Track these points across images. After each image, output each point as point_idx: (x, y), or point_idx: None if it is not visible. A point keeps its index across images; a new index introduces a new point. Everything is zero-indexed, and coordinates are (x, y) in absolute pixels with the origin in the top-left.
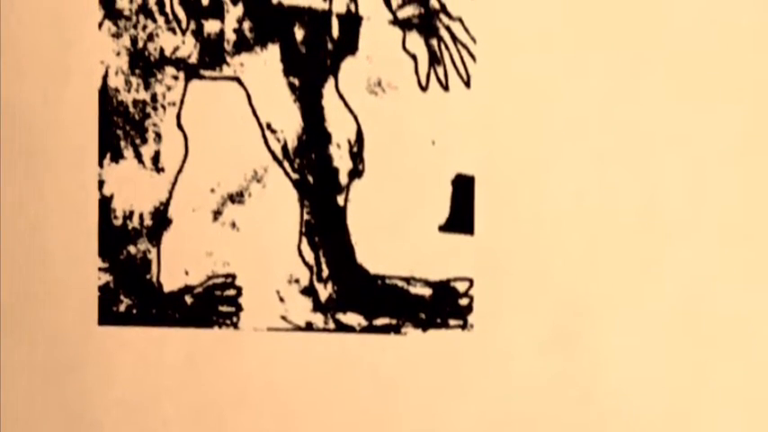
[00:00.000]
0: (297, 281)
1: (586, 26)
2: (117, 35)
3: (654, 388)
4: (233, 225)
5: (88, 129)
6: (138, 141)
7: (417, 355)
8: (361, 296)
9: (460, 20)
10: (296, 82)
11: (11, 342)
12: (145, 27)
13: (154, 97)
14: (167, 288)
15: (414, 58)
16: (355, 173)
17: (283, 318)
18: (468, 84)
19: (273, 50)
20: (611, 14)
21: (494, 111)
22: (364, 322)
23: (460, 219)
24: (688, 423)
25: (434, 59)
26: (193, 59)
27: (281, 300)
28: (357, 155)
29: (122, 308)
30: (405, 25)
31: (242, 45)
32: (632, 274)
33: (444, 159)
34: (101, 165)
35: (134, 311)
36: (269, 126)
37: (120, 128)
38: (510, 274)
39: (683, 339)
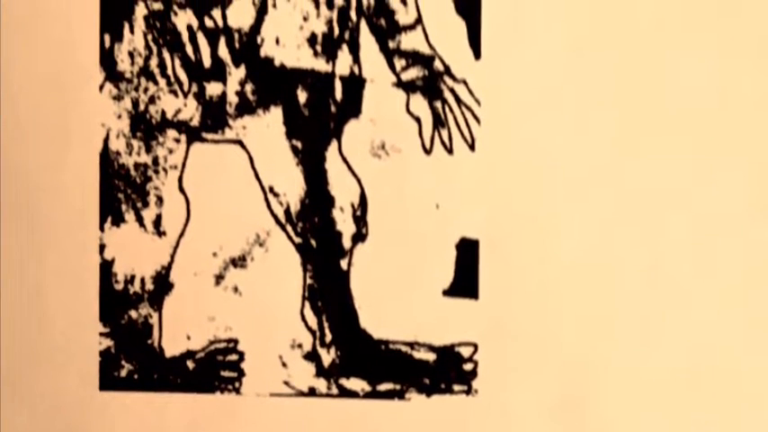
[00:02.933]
0: (300, 346)
1: (591, 89)
2: (118, 98)
3: None
4: (235, 289)
5: (89, 192)
6: (139, 205)
7: (421, 420)
8: (364, 361)
9: (465, 82)
10: (299, 145)
11: (11, 408)
12: (146, 89)
13: (155, 160)
14: (169, 353)
15: (418, 120)
16: (359, 237)
17: (286, 383)
18: (472, 147)
19: (276, 113)
20: (615, 77)
21: (498, 174)
22: (368, 387)
23: (465, 283)
24: None
25: (438, 122)
26: (195, 122)
27: (284, 365)
28: (360, 218)
29: (124, 373)
30: (408, 88)
31: (244, 108)
32: (639, 338)
33: (448, 223)
34: (102, 228)
35: (135, 377)
36: (271, 189)
37: (121, 191)
38: (515, 339)
39: (690, 404)
